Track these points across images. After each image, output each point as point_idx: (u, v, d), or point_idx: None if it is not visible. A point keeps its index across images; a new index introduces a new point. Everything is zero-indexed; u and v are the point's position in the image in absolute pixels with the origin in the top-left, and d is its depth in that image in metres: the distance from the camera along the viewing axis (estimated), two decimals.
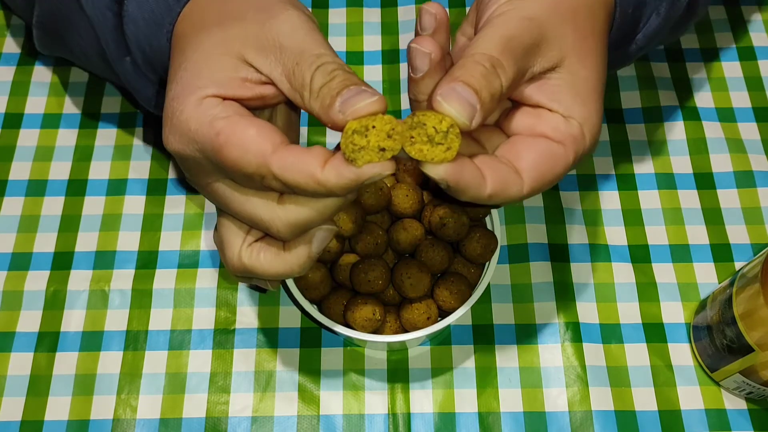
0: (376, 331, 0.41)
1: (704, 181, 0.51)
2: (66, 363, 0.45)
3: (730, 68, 0.56)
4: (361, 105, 0.30)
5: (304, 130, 0.53)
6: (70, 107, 0.54)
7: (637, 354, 0.46)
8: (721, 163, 0.52)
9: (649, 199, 0.51)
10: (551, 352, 0.46)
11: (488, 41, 0.32)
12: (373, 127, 0.30)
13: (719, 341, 0.42)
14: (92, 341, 0.46)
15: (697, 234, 0.50)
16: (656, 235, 0.50)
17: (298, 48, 0.33)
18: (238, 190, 0.34)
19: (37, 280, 0.48)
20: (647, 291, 0.48)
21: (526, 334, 0.46)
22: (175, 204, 0.50)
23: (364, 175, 0.30)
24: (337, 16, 0.58)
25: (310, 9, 0.58)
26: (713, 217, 0.50)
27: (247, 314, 0.47)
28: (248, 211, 0.33)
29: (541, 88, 0.34)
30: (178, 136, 0.33)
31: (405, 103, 0.54)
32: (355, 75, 0.32)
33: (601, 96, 0.35)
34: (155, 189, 0.51)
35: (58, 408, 0.44)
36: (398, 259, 0.43)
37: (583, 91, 0.34)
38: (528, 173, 0.33)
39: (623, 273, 0.48)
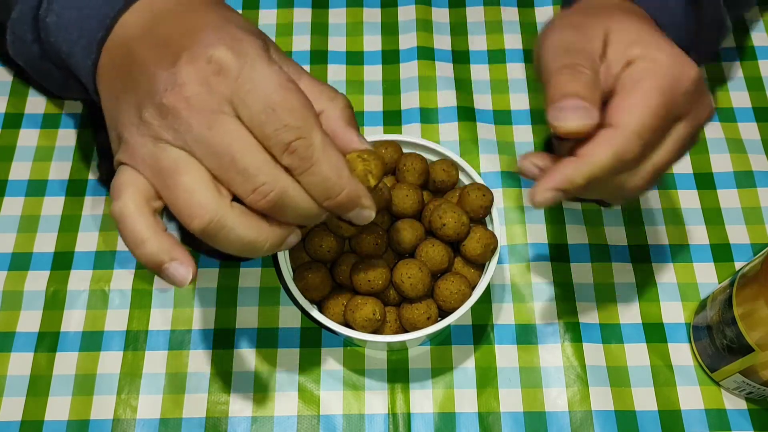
0: (376, 331, 0.41)
1: (704, 181, 0.51)
2: (66, 363, 0.45)
3: (730, 68, 0.56)
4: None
5: None
6: (70, 107, 0.54)
7: (637, 354, 0.46)
8: (721, 163, 0.52)
9: (650, 198, 0.51)
10: (551, 352, 0.46)
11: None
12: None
13: (719, 341, 0.42)
14: (92, 341, 0.46)
15: (697, 234, 0.50)
16: (656, 235, 0.50)
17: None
18: (248, 137, 0.32)
19: (37, 280, 0.48)
20: (647, 291, 0.48)
21: (526, 334, 0.46)
22: None
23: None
24: (337, 16, 0.58)
25: (310, 9, 0.58)
26: (713, 217, 0.50)
27: (247, 314, 0.47)
28: (247, 159, 0.31)
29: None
30: (229, 54, 0.32)
31: (404, 103, 0.54)
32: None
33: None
34: None
35: (58, 408, 0.44)
36: (398, 259, 0.43)
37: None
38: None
39: (623, 273, 0.48)
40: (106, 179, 0.51)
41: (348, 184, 0.32)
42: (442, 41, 0.57)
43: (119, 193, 0.32)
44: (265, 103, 0.31)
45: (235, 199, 0.33)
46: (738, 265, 0.49)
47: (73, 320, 0.46)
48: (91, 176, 0.51)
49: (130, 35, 0.36)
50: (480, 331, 0.47)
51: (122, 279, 0.48)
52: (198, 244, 0.47)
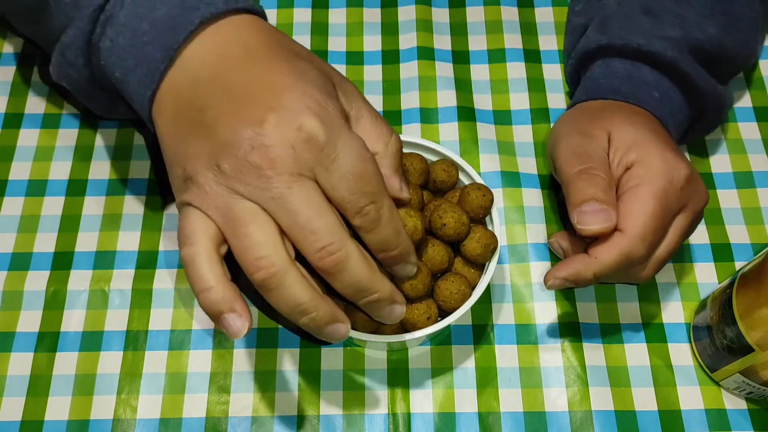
0: (376, 331, 0.41)
1: (704, 181, 0.51)
2: (66, 363, 0.45)
3: None
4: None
5: None
6: (70, 107, 0.54)
7: (637, 354, 0.46)
8: (721, 163, 0.52)
9: None
10: (551, 352, 0.46)
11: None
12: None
13: (719, 341, 0.42)
14: (92, 341, 0.46)
15: (697, 234, 0.50)
16: None
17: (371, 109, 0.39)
18: (323, 200, 0.34)
19: (37, 280, 0.48)
20: (647, 291, 0.48)
21: (526, 334, 0.46)
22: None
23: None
24: (337, 16, 0.58)
25: (310, 9, 0.58)
26: (713, 217, 0.50)
27: None
28: (322, 220, 0.33)
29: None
30: (314, 123, 0.33)
31: (404, 103, 0.54)
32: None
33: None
34: (155, 189, 0.51)
35: (58, 408, 0.44)
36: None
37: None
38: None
39: None
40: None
41: (403, 242, 0.36)
42: (442, 41, 0.57)
43: (192, 239, 0.34)
44: (346, 172, 0.34)
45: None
46: (738, 265, 0.49)
47: (73, 320, 0.46)
48: (91, 176, 0.51)
49: (198, 76, 0.36)
50: (480, 331, 0.47)
51: (122, 279, 0.48)
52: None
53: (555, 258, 0.49)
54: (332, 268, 0.34)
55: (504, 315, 0.47)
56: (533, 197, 0.50)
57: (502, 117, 0.54)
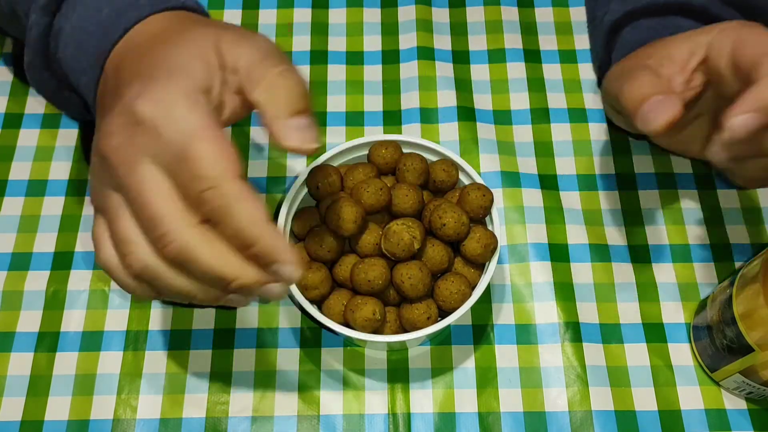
0: (376, 331, 0.41)
1: (704, 181, 0.51)
2: (66, 363, 0.45)
3: None
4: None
5: None
6: None
7: (637, 354, 0.46)
8: None
9: (650, 198, 0.51)
10: (551, 352, 0.46)
11: None
12: None
13: (719, 341, 0.42)
14: (92, 341, 0.46)
15: (697, 234, 0.50)
16: (656, 235, 0.50)
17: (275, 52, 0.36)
18: (163, 186, 0.33)
19: (37, 280, 0.48)
20: (647, 291, 0.48)
21: (526, 334, 0.46)
22: None
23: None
24: (337, 16, 0.58)
25: (310, 9, 0.58)
26: (713, 217, 0.50)
27: (247, 314, 0.47)
28: (154, 207, 0.32)
29: None
30: (161, 104, 0.33)
31: (404, 104, 0.54)
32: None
33: None
34: None
35: (58, 408, 0.44)
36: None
37: None
38: None
39: (623, 273, 0.48)
40: None
41: (263, 235, 0.32)
42: (442, 41, 0.57)
43: (96, 246, 0.35)
44: (178, 153, 0.32)
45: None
46: (738, 264, 0.49)
47: (73, 320, 0.46)
48: (91, 177, 0.51)
49: (108, 73, 0.38)
50: (480, 331, 0.47)
51: None
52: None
53: (555, 258, 0.49)
54: (174, 260, 0.32)
55: (504, 315, 0.47)
56: (533, 197, 0.50)
57: (502, 117, 0.54)
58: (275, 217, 0.48)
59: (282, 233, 0.34)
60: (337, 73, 0.56)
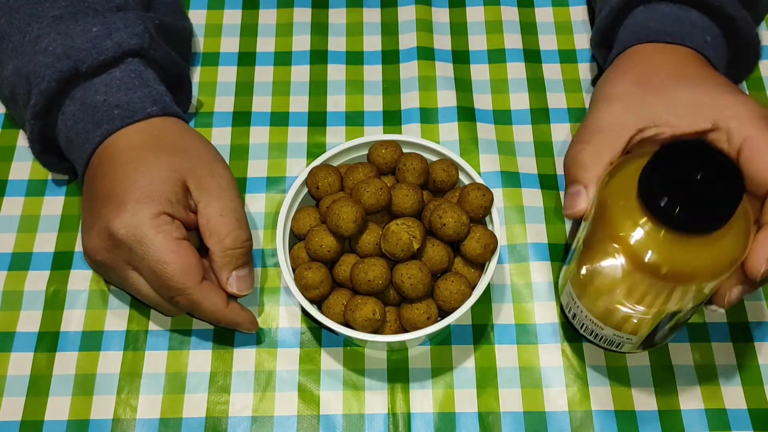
0: (376, 331, 0.41)
1: None
2: (66, 363, 0.45)
3: None
4: (243, 291, 0.44)
5: (304, 130, 0.53)
6: None
7: (636, 354, 0.46)
8: None
9: None
10: (551, 352, 0.46)
11: None
12: None
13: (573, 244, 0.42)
14: (92, 341, 0.46)
15: None
16: None
17: (229, 204, 0.44)
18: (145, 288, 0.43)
19: (37, 280, 0.48)
20: None
21: (526, 334, 0.46)
22: None
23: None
24: (337, 16, 0.58)
25: (310, 9, 0.58)
26: None
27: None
28: (152, 299, 0.43)
29: None
30: (132, 228, 0.41)
31: (404, 103, 0.54)
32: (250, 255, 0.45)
33: None
34: None
35: (58, 408, 0.44)
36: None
37: None
38: None
39: None
40: None
41: (224, 318, 0.43)
42: (442, 41, 0.57)
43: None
44: (151, 271, 0.41)
45: None
46: None
47: (73, 320, 0.46)
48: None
49: (87, 173, 0.46)
50: (480, 331, 0.47)
51: None
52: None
53: (554, 258, 0.49)
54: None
55: (504, 315, 0.47)
56: (533, 197, 0.50)
57: (502, 117, 0.54)
58: (275, 216, 0.49)
59: (238, 305, 0.44)
60: (337, 73, 0.56)
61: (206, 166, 0.45)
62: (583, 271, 0.40)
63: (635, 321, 0.40)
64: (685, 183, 0.32)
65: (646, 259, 0.34)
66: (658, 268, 0.34)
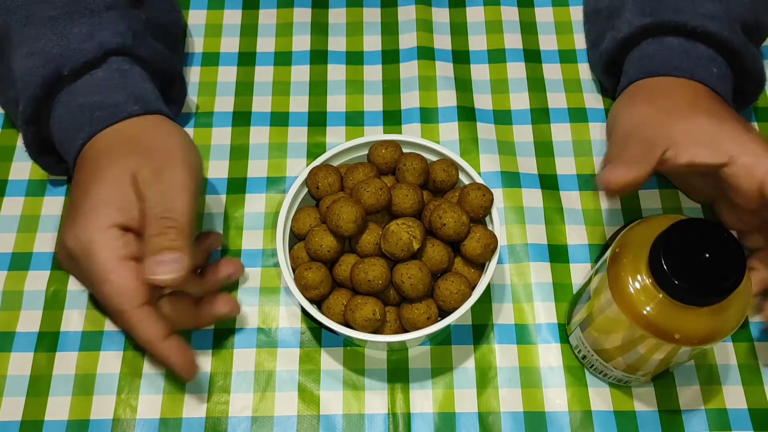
0: (376, 331, 0.41)
1: None
2: (66, 363, 0.45)
3: None
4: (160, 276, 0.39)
5: (304, 130, 0.53)
6: None
7: None
8: None
9: (650, 198, 0.51)
10: (551, 352, 0.46)
11: None
12: None
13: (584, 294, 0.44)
14: (92, 341, 0.46)
15: None
16: None
17: (172, 189, 0.41)
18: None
19: (37, 280, 0.48)
20: None
21: (526, 334, 0.46)
22: None
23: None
24: (337, 16, 0.58)
25: (310, 9, 0.58)
26: (713, 216, 0.50)
27: (247, 314, 0.47)
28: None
29: None
30: (79, 242, 0.40)
31: (404, 103, 0.54)
32: (182, 239, 0.40)
33: None
34: None
35: (58, 408, 0.44)
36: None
37: None
38: None
39: None
40: None
41: (156, 352, 0.41)
42: (442, 41, 0.57)
43: None
44: (93, 288, 0.41)
45: None
46: None
47: (73, 320, 0.46)
48: None
49: (82, 164, 0.45)
50: (480, 331, 0.47)
51: None
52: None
53: (554, 258, 0.49)
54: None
55: (504, 315, 0.47)
56: (533, 197, 0.50)
57: (502, 117, 0.54)
58: (275, 216, 0.49)
59: (177, 345, 0.41)
60: (337, 73, 0.56)
61: (164, 160, 0.43)
62: (595, 333, 0.42)
63: (648, 366, 0.41)
64: (693, 260, 0.35)
65: (658, 327, 0.37)
66: (671, 335, 0.37)
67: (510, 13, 0.59)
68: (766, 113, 0.54)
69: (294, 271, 0.43)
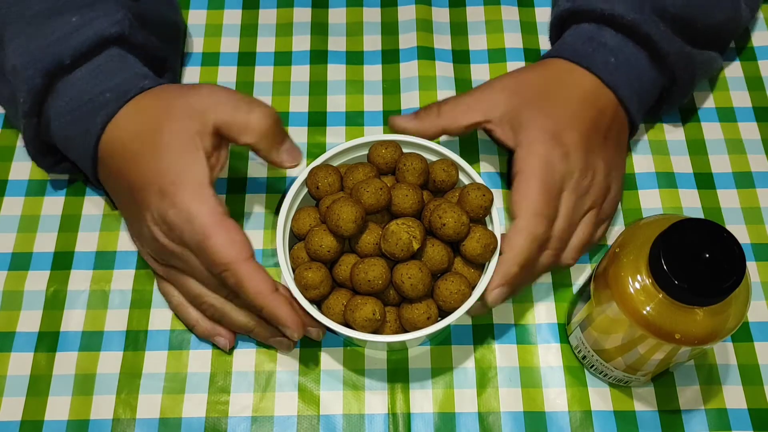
0: (376, 331, 0.41)
1: (705, 181, 0.51)
2: (66, 363, 0.45)
3: (730, 68, 0.56)
4: None
5: (304, 130, 0.53)
6: None
7: None
8: (721, 163, 0.52)
9: (650, 198, 0.51)
10: (551, 352, 0.46)
11: None
12: None
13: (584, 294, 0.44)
14: (92, 341, 0.46)
15: None
16: None
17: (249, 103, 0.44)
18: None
19: (37, 280, 0.48)
20: None
21: (526, 334, 0.46)
22: None
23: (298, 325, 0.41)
24: (337, 15, 0.58)
25: (310, 9, 0.58)
26: (713, 217, 0.50)
27: None
28: (200, 288, 0.44)
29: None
30: (178, 210, 0.41)
31: (404, 103, 0.54)
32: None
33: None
34: None
35: (58, 408, 0.44)
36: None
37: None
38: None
39: None
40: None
41: (266, 304, 0.41)
42: (442, 41, 0.57)
43: (168, 296, 0.46)
44: (199, 249, 0.41)
45: None
46: None
47: (73, 320, 0.46)
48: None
49: (102, 164, 0.45)
50: (480, 331, 0.47)
51: (122, 279, 0.48)
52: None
53: None
54: (215, 319, 0.44)
55: (504, 315, 0.47)
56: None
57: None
58: (275, 216, 0.49)
59: (287, 300, 0.41)
60: (337, 73, 0.56)
61: (225, 104, 0.44)
62: (595, 333, 0.42)
63: (648, 366, 0.41)
64: (693, 260, 0.35)
65: (658, 327, 0.37)
66: (671, 335, 0.37)
67: (510, 13, 0.59)
68: (766, 113, 0.54)
69: (294, 271, 0.43)
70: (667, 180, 0.51)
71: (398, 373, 0.45)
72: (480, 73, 0.56)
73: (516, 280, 0.42)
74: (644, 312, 0.37)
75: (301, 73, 0.56)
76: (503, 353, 0.46)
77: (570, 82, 0.47)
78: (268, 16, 0.58)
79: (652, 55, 0.48)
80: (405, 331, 0.42)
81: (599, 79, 0.47)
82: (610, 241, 0.49)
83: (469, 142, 0.52)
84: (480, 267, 0.43)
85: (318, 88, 0.55)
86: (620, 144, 0.48)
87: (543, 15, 0.59)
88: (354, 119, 0.54)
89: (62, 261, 0.48)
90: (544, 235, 0.43)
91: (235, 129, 0.43)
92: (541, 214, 0.43)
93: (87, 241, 0.49)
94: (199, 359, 0.46)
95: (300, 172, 0.45)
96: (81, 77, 0.45)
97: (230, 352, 0.46)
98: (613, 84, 0.47)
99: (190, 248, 0.41)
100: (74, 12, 0.45)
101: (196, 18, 0.58)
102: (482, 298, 0.42)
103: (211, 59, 0.56)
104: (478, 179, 0.45)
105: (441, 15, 0.59)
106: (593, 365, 0.44)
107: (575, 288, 0.48)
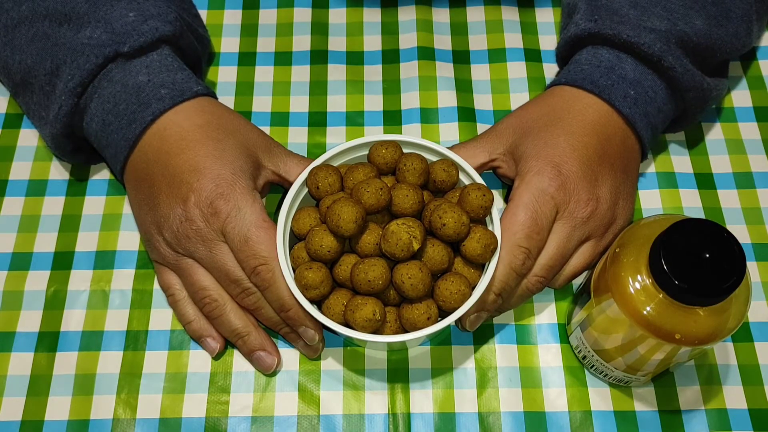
0: (376, 331, 0.41)
1: (704, 180, 0.51)
2: (66, 363, 0.45)
3: (731, 68, 0.56)
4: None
5: (304, 130, 0.53)
6: None
7: None
8: (721, 163, 0.52)
9: (651, 198, 0.51)
10: (551, 352, 0.46)
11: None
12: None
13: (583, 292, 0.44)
14: (92, 341, 0.46)
15: None
16: None
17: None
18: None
19: (37, 280, 0.48)
20: None
21: (526, 334, 0.46)
22: None
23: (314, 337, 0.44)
24: (337, 16, 0.58)
25: (310, 9, 0.58)
26: (713, 217, 0.50)
27: None
28: (238, 272, 0.44)
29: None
30: (229, 202, 0.43)
31: (404, 103, 0.54)
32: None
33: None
34: None
35: (58, 408, 0.44)
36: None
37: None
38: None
39: None
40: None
41: (295, 304, 0.42)
42: (442, 41, 0.57)
43: (170, 290, 0.46)
44: (242, 238, 0.43)
45: None
46: None
47: (73, 320, 0.46)
48: (91, 176, 0.51)
49: (147, 158, 0.45)
50: (480, 331, 0.47)
51: (122, 279, 0.48)
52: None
53: None
54: (252, 306, 0.44)
55: (504, 315, 0.47)
56: None
57: (503, 117, 0.54)
58: (275, 216, 0.49)
59: (313, 309, 0.42)
60: (337, 73, 0.56)
61: (262, 141, 0.47)
62: (596, 333, 0.42)
63: (648, 366, 0.41)
64: (693, 260, 0.35)
65: (658, 327, 0.37)
66: (671, 335, 0.37)
67: (510, 13, 0.59)
68: (766, 113, 0.54)
69: (294, 271, 0.43)
70: (667, 180, 0.51)
71: (398, 373, 0.45)
72: (480, 73, 0.56)
73: (493, 306, 0.44)
74: (644, 312, 0.37)
75: (301, 73, 0.56)
76: (503, 353, 0.46)
77: (577, 109, 0.47)
78: (268, 16, 0.58)
79: (670, 86, 0.48)
80: (405, 331, 0.42)
81: (614, 109, 0.47)
82: None
83: None
84: (480, 267, 0.43)
85: (318, 88, 0.55)
86: (629, 173, 0.47)
87: (543, 15, 0.59)
88: (354, 119, 0.54)
89: (62, 261, 0.48)
90: (523, 266, 0.43)
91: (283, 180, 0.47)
92: (522, 246, 0.43)
93: (87, 241, 0.49)
94: (199, 359, 0.46)
95: (300, 172, 0.45)
96: (136, 69, 0.46)
97: (217, 358, 0.46)
98: (630, 117, 0.46)
99: (226, 237, 0.43)
100: (131, 3, 0.47)
101: None
102: (460, 322, 0.43)
103: (211, 59, 0.56)
104: (479, 179, 0.45)
105: (441, 15, 0.59)
106: (593, 365, 0.44)
107: (575, 288, 0.48)
